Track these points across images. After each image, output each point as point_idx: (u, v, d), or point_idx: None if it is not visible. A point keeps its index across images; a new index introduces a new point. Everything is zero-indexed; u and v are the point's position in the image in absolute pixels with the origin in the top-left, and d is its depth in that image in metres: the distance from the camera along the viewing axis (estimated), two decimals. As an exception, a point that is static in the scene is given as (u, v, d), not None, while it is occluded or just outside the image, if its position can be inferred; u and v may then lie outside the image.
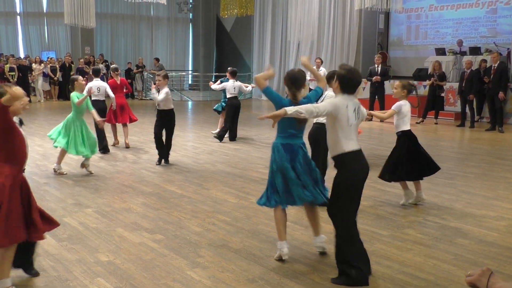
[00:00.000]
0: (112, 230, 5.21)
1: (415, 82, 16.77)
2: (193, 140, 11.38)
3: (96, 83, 9.48)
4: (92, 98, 8.97)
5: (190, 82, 27.65)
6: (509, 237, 5.15)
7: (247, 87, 11.63)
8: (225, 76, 11.53)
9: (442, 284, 4.02)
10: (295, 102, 4.34)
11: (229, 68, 11.40)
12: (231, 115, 11.02)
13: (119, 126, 10.48)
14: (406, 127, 6.11)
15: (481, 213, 5.98)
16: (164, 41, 27.49)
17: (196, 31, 27.98)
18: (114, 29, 26.12)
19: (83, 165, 7.84)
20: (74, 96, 7.71)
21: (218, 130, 11.43)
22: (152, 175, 7.80)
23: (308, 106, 3.92)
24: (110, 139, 9.98)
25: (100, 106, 9.27)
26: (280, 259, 4.43)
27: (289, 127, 4.40)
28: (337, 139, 3.97)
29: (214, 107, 11.86)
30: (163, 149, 8.57)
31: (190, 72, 28.14)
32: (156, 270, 4.21)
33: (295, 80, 4.45)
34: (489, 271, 1.82)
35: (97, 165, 8.42)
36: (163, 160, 8.57)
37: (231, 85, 11.04)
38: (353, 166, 3.98)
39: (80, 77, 7.99)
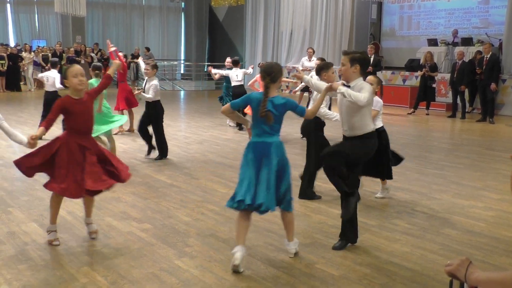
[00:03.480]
0: (101, 219, 5.20)
1: (407, 73, 16.86)
2: (184, 130, 11.36)
3: (47, 73, 10.18)
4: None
5: (182, 72, 27.56)
6: (496, 228, 5.19)
7: (247, 69, 11.76)
8: (221, 65, 11.67)
9: (428, 274, 4.05)
10: (265, 96, 4.05)
11: (234, 58, 11.72)
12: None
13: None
14: (380, 124, 5.89)
15: (469, 203, 6.02)
16: (156, 31, 27.35)
17: (188, 20, 27.83)
18: (106, 18, 25.94)
19: None
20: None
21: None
22: (142, 164, 7.79)
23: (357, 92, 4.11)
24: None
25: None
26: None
27: (262, 123, 4.09)
28: (367, 120, 4.32)
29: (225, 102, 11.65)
30: (150, 140, 8.21)
31: (182, 61, 28.02)
32: (143, 259, 4.21)
33: (270, 72, 4.10)
34: (468, 261, 1.84)
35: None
36: (155, 153, 8.19)
37: (233, 73, 11.18)
38: (373, 142, 4.37)
39: (82, 62, 8.40)
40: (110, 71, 4.76)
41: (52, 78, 9.75)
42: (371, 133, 4.37)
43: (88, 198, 4.57)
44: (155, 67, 8.26)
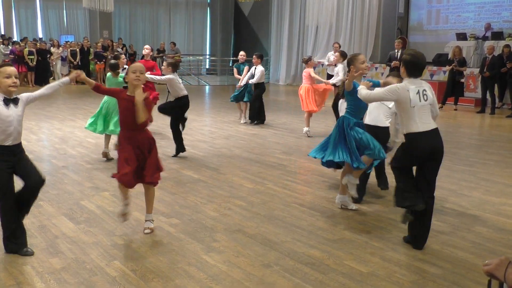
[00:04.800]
0: (129, 213, 5.23)
1: (435, 68, 16.59)
2: (210, 125, 11.39)
3: None
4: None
5: (207, 67, 27.63)
6: (528, 226, 5.08)
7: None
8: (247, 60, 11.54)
9: (459, 272, 3.98)
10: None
11: (257, 53, 11.44)
12: (261, 98, 11.23)
13: None
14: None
15: (500, 200, 5.90)
16: (182, 26, 27.46)
17: (214, 15, 27.87)
18: (133, 13, 26.12)
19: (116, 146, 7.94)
20: (110, 76, 7.89)
21: (245, 118, 11.38)
22: (169, 159, 7.83)
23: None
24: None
25: None
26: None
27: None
28: (402, 121, 4.37)
29: (245, 99, 11.37)
30: (180, 140, 8.05)
31: (207, 56, 28.09)
32: (171, 254, 4.23)
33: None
34: (507, 260, 1.79)
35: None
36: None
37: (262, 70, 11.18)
38: (413, 145, 4.28)
39: (122, 56, 8.29)
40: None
41: None
42: (410, 135, 4.37)
43: (149, 193, 4.77)
44: (170, 64, 7.76)
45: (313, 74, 10.09)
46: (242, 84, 11.20)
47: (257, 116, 11.32)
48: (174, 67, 7.82)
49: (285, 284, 3.74)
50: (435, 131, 4.31)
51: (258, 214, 5.32)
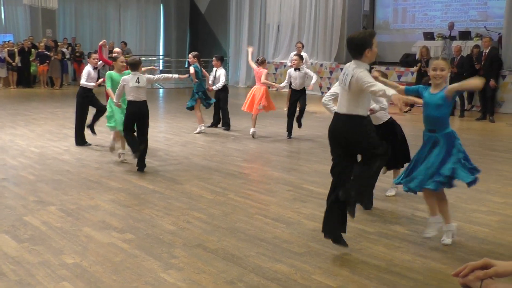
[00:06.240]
0: (78, 229, 5.15)
1: (402, 69, 16.96)
2: (165, 131, 11.31)
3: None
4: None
5: (161, 68, 27.43)
6: (501, 233, 5.24)
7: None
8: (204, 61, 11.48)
9: (432, 284, 4.07)
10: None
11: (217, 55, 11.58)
12: (226, 101, 11.36)
13: None
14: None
15: (472, 207, 6.07)
16: (133, 24, 27.18)
17: (167, 12, 27.71)
18: (79, 10, 25.70)
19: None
20: (108, 75, 8.18)
21: (203, 125, 11.14)
22: (121, 169, 7.73)
23: None
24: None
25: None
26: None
27: None
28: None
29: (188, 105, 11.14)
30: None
31: (161, 57, 27.90)
32: (126, 273, 4.18)
33: None
34: (483, 271, 1.84)
35: (60, 158, 8.32)
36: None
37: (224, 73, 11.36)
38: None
39: (121, 57, 8.38)
40: None
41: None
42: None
43: None
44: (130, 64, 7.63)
45: (263, 78, 10.48)
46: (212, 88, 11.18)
47: (222, 121, 11.42)
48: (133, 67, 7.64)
49: (250, 301, 3.74)
50: (342, 117, 4.48)
51: (219, 227, 5.31)
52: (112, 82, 8.12)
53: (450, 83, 13.88)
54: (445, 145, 4.73)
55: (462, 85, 4.90)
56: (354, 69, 4.36)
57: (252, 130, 10.49)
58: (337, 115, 4.56)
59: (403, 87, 5.33)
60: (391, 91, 4.26)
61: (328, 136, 4.61)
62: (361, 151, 4.56)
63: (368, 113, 4.69)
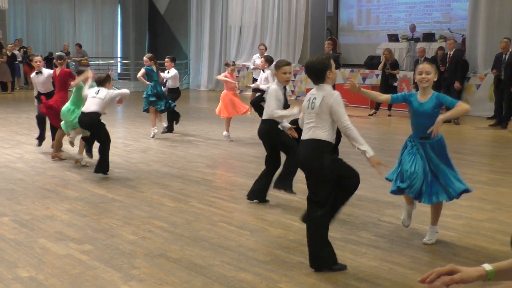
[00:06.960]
0: (33, 241, 5.08)
1: (367, 71, 17.22)
2: (124, 137, 11.22)
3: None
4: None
5: (119, 71, 27.17)
6: (466, 237, 5.38)
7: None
8: (161, 64, 11.54)
9: (399, 290, 4.15)
10: None
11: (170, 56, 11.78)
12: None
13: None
14: None
15: (438, 211, 6.20)
16: (89, 25, 26.83)
17: (125, 13, 27.48)
18: (30, 10, 25.24)
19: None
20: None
21: (155, 128, 11.02)
22: (78, 177, 7.64)
23: None
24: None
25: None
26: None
27: None
28: None
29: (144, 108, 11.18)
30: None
31: (119, 59, 27.64)
32: (85, 285, 4.14)
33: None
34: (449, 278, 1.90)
35: (13, 166, 8.17)
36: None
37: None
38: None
39: (88, 69, 8.69)
40: None
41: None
42: None
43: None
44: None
45: (219, 76, 10.96)
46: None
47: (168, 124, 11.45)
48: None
49: (215, 312, 3.75)
50: (305, 142, 4.52)
51: (181, 235, 5.31)
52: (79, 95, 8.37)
53: (414, 84, 14.20)
54: (439, 151, 5.19)
55: (451, 115, 5.50)
56: (324, 96, 4.42)
57: (225, 133, 10.80)
58: (304, 141, 4.61)
59: (388, 95, 5.62)
60: (371, 152, 4.64)
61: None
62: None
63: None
